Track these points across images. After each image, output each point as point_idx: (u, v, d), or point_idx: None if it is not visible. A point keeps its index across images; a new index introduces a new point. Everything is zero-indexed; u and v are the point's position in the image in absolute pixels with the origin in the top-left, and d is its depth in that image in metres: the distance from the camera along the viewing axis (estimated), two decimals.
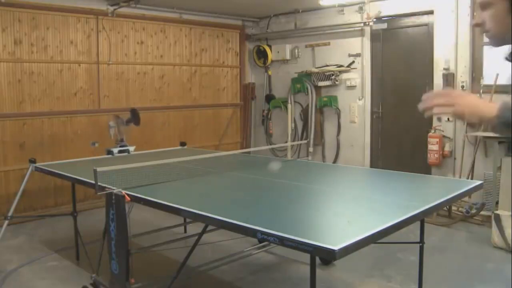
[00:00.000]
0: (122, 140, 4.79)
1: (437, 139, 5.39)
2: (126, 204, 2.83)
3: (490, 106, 1.20)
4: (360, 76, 6.41)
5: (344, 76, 6.57)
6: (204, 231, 2.86)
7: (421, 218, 2.87)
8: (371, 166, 6.30)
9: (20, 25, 5.34)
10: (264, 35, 7.58)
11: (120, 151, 4.69)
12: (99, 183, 3.00)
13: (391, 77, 6.18)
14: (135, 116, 4.77)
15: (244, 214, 2.43)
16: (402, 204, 2.58)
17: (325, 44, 6.81)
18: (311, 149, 6.98)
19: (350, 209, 2.63)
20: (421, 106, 1.29)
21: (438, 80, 5.51)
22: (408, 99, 5.97)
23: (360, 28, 6.30)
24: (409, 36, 5.95)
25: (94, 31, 5.96)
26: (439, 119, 5.50)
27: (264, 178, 3.51)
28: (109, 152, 4.67)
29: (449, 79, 5.37)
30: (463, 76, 5.33)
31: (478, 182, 3.12)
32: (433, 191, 3.16)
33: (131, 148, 4.81)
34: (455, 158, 5.43)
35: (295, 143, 7.13)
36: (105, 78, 6.11)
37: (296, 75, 7.12)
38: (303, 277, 3.74)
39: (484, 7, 1.26)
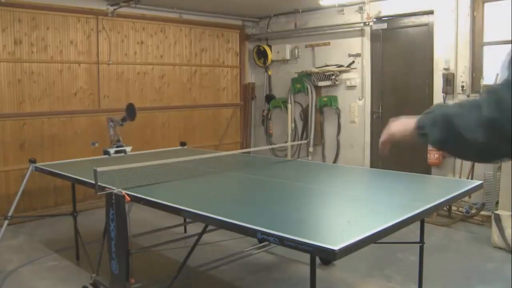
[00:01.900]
0: (118, 141, 4.79)
1: None
2: (126, 204, 2.83)
3: (412, 120, 1.35)
4: (360, 76, 6.41)
5: (344, 76, 6.57)
6: (204, 231, 2.86)
7: (421, 218, 2.87)
8: (371, 166, 6.30)
9: (20, 25, 5.34)
10: (264, 35, 7.58)
11: (116, 152, 4.70)
12: (99, 183, 3.00)
13: (391, 77, 6.17)
14: (130, 111, 4.74)
15: (244, 214, 2.43)
16: (402, 204, 2.57)
17: (325, 44, 6.81)
18: (311, 149, 6.98)
19: (350, 209, 2.63)
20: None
21: (438, 80, 5.51)
22: (408, 99, 5.97)
23: (360, 28, 6.30)
24: (409, 36, 5.95)
25: (94, 31, 5.96)
26: None
27: (264, 178, 3.51)
28: (106, 153, 4.68)
29: (449, 79, 5.36)
30: (463, 76, 5.33)
31: (478, 182, 3.11)
32: (433, 191, 3.16)
33: (128, 149, 4.81)
34: (455, 158, 5.43)
35: (295, 143, 7.12)
36: (105, 78, 6.11)
37: (296, 75, 7.12)
38: (303, 277, 3.73)
39: None
